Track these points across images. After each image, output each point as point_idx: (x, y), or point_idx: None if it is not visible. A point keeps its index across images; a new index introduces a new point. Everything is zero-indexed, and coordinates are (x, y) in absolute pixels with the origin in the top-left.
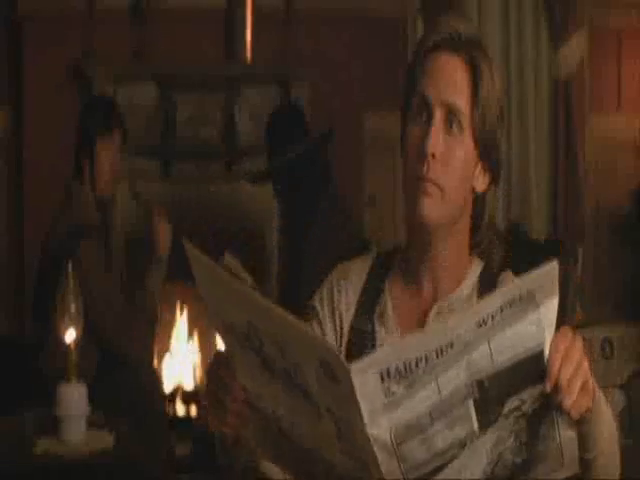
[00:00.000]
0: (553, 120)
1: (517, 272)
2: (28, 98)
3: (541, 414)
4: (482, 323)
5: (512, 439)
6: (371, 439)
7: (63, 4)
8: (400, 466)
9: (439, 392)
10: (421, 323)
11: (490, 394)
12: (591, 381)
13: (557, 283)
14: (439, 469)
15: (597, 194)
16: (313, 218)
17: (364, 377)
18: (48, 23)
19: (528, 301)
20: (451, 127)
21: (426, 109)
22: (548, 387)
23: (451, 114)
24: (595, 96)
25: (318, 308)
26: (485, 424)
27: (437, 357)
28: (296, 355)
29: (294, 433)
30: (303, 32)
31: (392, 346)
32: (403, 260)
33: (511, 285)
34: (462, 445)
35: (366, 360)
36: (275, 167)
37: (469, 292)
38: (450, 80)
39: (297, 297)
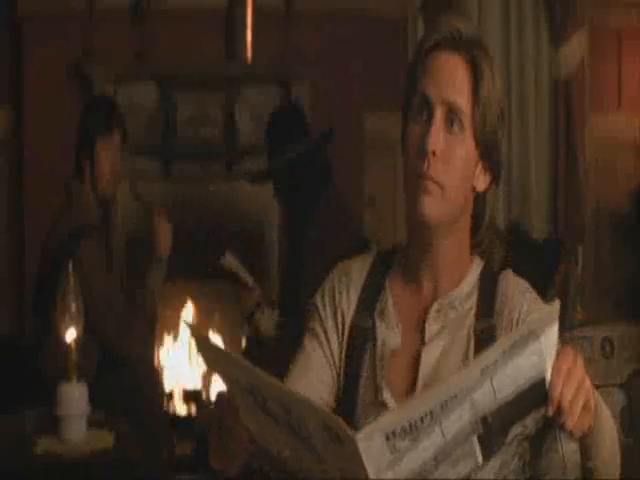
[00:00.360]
0: (553, 120)
1: (517, 271)
2: (28, 98)
3: (543, 431)
4: (485, 369)
5: (516, 461)
6: None
7: (63, 4)
8: None
9: (443, 436)
10: (421, 320)
11: (493, 427)
12: (593, 398)
13: (557, 315)
14: None
15: (597, 193)
16: (313, 217)
17: (369, 442)
18: (48, 23)
19: (529, 337)
20: (452, 126)
21: (427, 108)
22: (550, 411)
23: (452, 113)
24: (595, 96)
25: (319, 306)
26: (489, 455)
27: (441, 409)
28: (300, 415)
29: (300, 469)
30: (303, 32)
31: (397, 411)
32: (403, 258)
33: (514, 331)
34: (467, 479)
35: (371, 427)
36: (275, 167)
37: (469, 290)
38: (451, 79)
39: (297, 296)
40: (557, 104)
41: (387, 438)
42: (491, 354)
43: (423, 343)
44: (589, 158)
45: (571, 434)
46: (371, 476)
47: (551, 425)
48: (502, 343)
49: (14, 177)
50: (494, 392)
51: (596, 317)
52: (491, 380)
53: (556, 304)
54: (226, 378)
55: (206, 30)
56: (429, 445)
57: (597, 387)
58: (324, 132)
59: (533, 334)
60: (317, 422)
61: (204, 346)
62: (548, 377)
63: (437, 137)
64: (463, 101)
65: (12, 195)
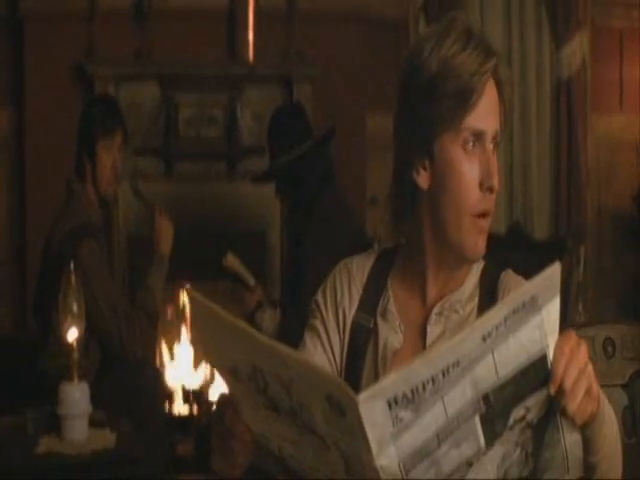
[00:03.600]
0: (555, 120)
1: (519, 271)
2: (30, 98)
3: (545, 421)
4: (487, 336)
5: (518, 451)
6: (380, 470)
7: (65, 4)
8: None
9: (446, 412)
10: (423, 321)
11: (496, 407)
12: (595, 385)
13: (559, 285)
14: None
15: (599, 194)
16: (315, 217)
17: (371, 406)
18: (50, 23)
19: (531, 306)
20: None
21: (478, 140)
22: (552, 390)
23: (494, 140)
24: (597, 96)
25: (321, 304)
26: (491, 438)
27: (443, 377)
28: (302, 393)
29: (301, 469)
30: (305, 32)
31: (398, 372)
32: (405, 259)
33: (515, 293)
34: (469, 464)
35: (373, 389)
36: (277, 167)
37: (471, 291)
38: (495, 108)
39: (299, 296)
40: (559, 104)
41: (389, 405)
42: (493, 316)
43: (424, 346)
44: (591, 158)
45: (573, 420)
46: (374, 450)
47: (553, 413)
48: (504, 304)
49: (16, 177)
50: (495, 367)
51: (598, 317)
52: (492, 353)
53: (556, 266)
54: (226, 366)
55: (208, 30)
56: (431, 420)
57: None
58: (326, 131)
59: (534, 305)
60: (319, 391)
61: (201, 312)
62: (550, 356)
63: (497, 172)
64: (499, 126)
65: (14, 195)
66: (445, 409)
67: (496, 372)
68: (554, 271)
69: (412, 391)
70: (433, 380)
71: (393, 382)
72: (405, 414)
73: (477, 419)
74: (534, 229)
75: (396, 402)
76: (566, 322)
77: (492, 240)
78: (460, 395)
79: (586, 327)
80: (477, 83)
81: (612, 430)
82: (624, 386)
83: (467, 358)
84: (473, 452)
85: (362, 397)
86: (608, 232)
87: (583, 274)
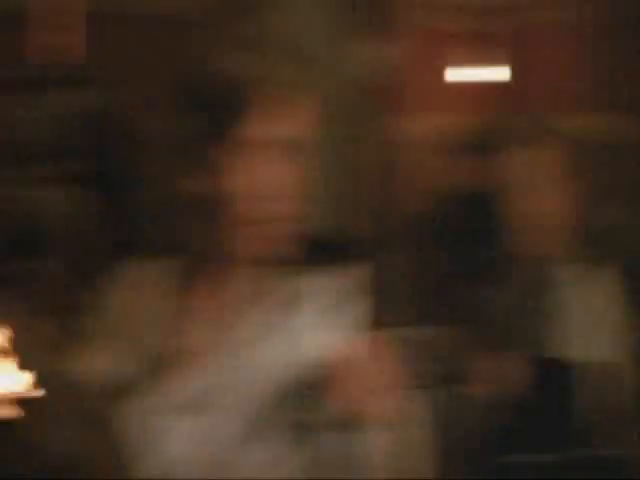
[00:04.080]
0: (356, 122)
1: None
2: None
3: (327, 423)
4: (258, 338)
5: (290, 452)
6: None
7: None
8: None
9: (213, 414)
10: (229, 324)
11: (267, 407)
12: (384, 387)
13: (348, 289)
14: None
15: (399, 195)
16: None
17: (142, 414)
18: None
19: (294, 310)
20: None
21: (257, 150)
22: (333, 394)
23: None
24: (402, 98)
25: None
26: (260, 439)
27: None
28: None
29: None
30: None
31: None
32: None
33: (291, 293)
34: (266, 467)
35: (145, 399)
36: (69, 171)
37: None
38: (280, 114)
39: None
40: (363, 105)
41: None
42: (260, 319)
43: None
44: (390, 160)
45: (356, 421)
46: (143, 450)
47: (333, 415)
48: (274, 308)
49: None
50: (269, 370)
51: (397, 320)
52: (265, 355)
53: (339, 270)
54: None
55: None
56: (197, 421)
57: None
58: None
59: (306, 306)
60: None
61: None
62: (323, 357)
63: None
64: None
65: None
66: (213, 409)
67: (268, 371)
68: (337, 275)
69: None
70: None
71: (170, 390)
72: (175, 419)
73: (249, 419)
74: (333, 232)
75: (168, 409)
76: (365, 325)
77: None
78: (230, 393)
79: (386, 329)
80: (257, 90)
81: (414, 431)
82: (426, 389)
83: (234, 355)
84: (243, 452)
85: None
86: (408, 234)
87: (383, 277)
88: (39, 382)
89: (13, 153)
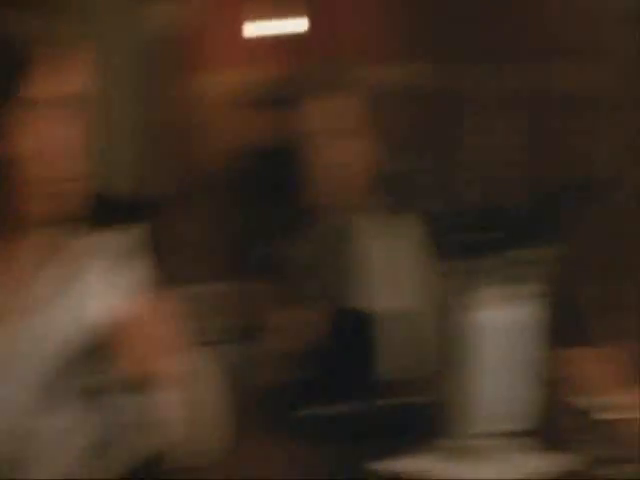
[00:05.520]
0: (148, 78)
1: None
2: None
3: (113, 386)
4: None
5: (82, 420)
6: None
7: None
8: None
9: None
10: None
11: (55, 378)
12: (171, 346)
13: (110, 249)
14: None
15: (195, 154)
16: None
17: None
18: None
19: (85, 271)
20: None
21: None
22: (120, 356)
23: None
24: (193, 54)
25: None
26: (52, 408)
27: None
28: None
29: None
30: None
31: None
32: None
33: (76, 254)
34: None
35: None
36: None
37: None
38: (60, 72)
39: None
40: (152, 63)
41: None
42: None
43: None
44: (185, 116)
45: (139, 382)
46: None
47: (116, 375)
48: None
49: None
50: (54, 331)
51: (194, 277)
52: (49, 317)
53: (110, 233)
54: None
55: None
56: None
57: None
58: None
59: (83, 271)
60: None
61: None
62: (107, 319)
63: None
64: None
65: None
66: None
67: (56, 340)
68: (121, 235)
69: None
70: None
71: None
72: None
73: (33, 392)
74: (117, 189)
75: None
76: (149, 284)
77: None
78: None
79: (176, 286)
80: (38, 48)
81: (197, 389)
82: (219, 344)
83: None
84: (32, 423)
85: None
86: (207, 191)
87: (179, 234)
88: None
89: None
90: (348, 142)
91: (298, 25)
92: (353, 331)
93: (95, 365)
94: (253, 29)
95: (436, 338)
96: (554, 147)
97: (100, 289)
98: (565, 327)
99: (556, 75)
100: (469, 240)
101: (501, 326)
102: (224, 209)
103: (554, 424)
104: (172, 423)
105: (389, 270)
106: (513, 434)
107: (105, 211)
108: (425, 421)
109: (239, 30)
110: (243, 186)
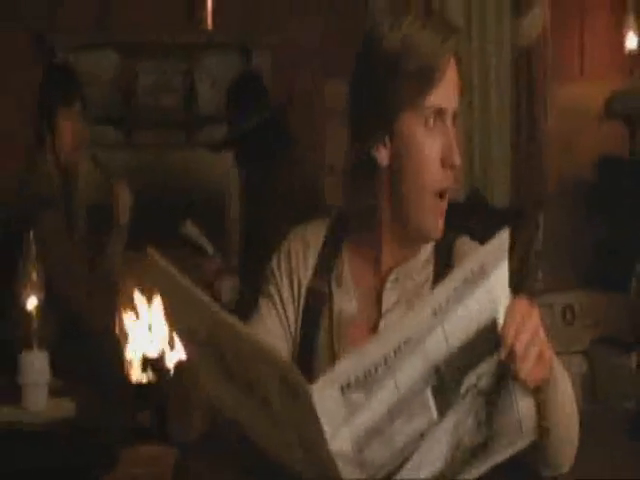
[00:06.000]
0: (515, 89)
1: (476, 239)
2: None
3: (497, 387)
4: (438, 310)
5: (471, 419)
6: (333, 453)
7: None
8: (362, 472)
9: (397, 388)
10: (378, 288)
11: (447, 377)
12: (548, 351)
13: (507, 250)
14: (402, 465)
15: (560, 162)
16: (273, 185)
17: (324, 395)
18: None
19: (480, 274)
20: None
21: (439, 119)
22: (503, 355)
23: (454, 117)
24: (558, 65)
25: (275, 271)
26: (444, 409)
27: (395, 355)
28: (257, 369)
29: (258, 437)
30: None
31: (351, 357)
32: (362, 226)
33: (464, 263)
34: (422, 435)
35: (326, 378)
36: (234, 135)
37: (426, 258)
38: (457, 87)
39: (258, 264)
40: (518, 73)
41: (342, 391)
42: (443, 290)
43: (380, 313)
44: (551, 127)
45: (524, 384)
46: (326, 431)
47: (505, 379)
48: (452, 278)
49: None
50: (446, 338)
51: (557, 285)
52: (443, 324)
53: (504, 234)
54: (185, 329)
55: None
56: (383, 398)
57: (558, 354)
58: (284, 100)
59: (483, 272)
60: (273, 372)
61: (161, 275)
62: (501, 321)
63: (458, 148)
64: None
65: None
66: (397, 385)
67: (446, 342)
68: (502, 238)
69: (364, 373)
70: (385, 360)
71: (346, 368)
72: (357, 396)
73: (429, 391)
74: (494, 197)
75: (349, 386)
76: (525, 289)
77: (450, 207)
78: (411, 370)
79: (545, 294)
80: (438, 62)
81: (566, 396)
82: (583, 353)
83: (418, 333)
84: (426, 424)
85: (315, 387)
86: (569, 200)
87: (542, 242)
88: None
89: (179, 118)
90: None
91: None
92: None
93: (483, 366)
94: (629, 40)
95: None
96: None
97: (495, 286)
98: None
99: None
100: None
101: None
102: (579, 220)
103: None
104: (540, 428)
105: None
106: None
107: (476, 220)
108: None
109: (608, 41)
110: (599, 197)
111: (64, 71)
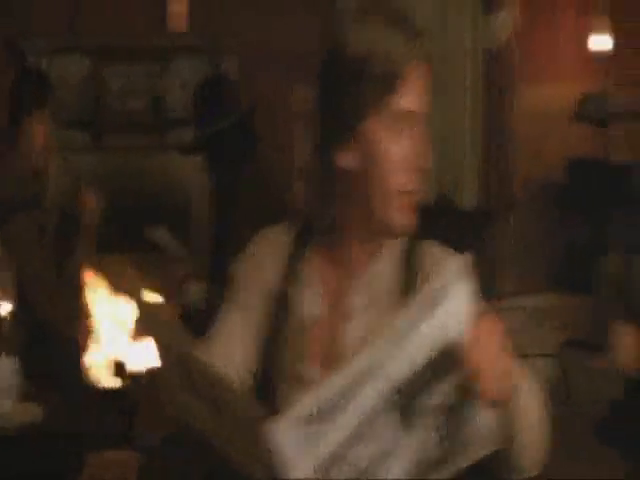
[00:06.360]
0: (485, 91)
1: (445, 241)
2: None
3: (460, 402)
4: (399, 336)
5: (434, 436)
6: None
7: None
8: None
9: (359, 414)
10: (345, 290)
11: (409, 397)
12: (509, 364)
13: (469, 271)
14: None
15: (530, 164)
16: (242, 187)
17: (284, 434)
18: None
19: (442, 294)
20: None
21: (407, 122)
22: (465, 374)
23: (422, 119)
24: (528, 66)
25: (240, 275)
26: (407, 427)
27: (356, 385)
28: (221, 397)
29: (220, 448)
30: (232, 4)
31: (312, 393)
32: (329, 230)
33: (425, 291)
34: (386, 455)
35: (285, 418)
36: (201, 138)
37: (394, 261)
38: (421, 88)
39: (227, 267)
40: (488, 75)
41: (303, 425)
42: (406, 317)
43: (346, 316)
44: (521, 129)
45: (487, 400)
46: (288, 465)
47: (468, 394)
48: (417, 304)
49: None
50: (408, 359)
51: (527, 288)
52: (404, 347)
53: (467, 255)
54: (159, 343)
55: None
56: (345, 424)
57: (527, 357)
58: (251, 104)
59: (445, 293)
60: (240, 407)
61: (144, 309)
62: (463, 339)
63: (429, 153)
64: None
65: None
66: (358, 409)
67: (409, 364)
68: (464, 259)
69: (326, 403)
70: (346, 389)
71: (307, 405)
72: (319, 427)
73: (391, 411)
74: (462, 200)
75: (310, 419)
76: (494, 293)
77: (418, 210)
78: (373, 393)
79: (515, 297)
80: (404, 66)
81: (530, 402)
82: (553, 355)
83: (379, 359)
84: (390, 444)
85: (275, 427)
86: (539, 203)
87: (511, 245)
88: None
89: (148, 121)
90: None
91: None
92: None
93: (445, 385)
94: (593, 43)
95: None
96: None
97: (457, 306)
98: None
99: None
100: None
101: None
102: (549, 222)
103: None
104: (503, 436)
105: None
106: None
107: (445, 223)
108: None
109: (577, 43)
110: (569, 200)
111: (36, 75)
